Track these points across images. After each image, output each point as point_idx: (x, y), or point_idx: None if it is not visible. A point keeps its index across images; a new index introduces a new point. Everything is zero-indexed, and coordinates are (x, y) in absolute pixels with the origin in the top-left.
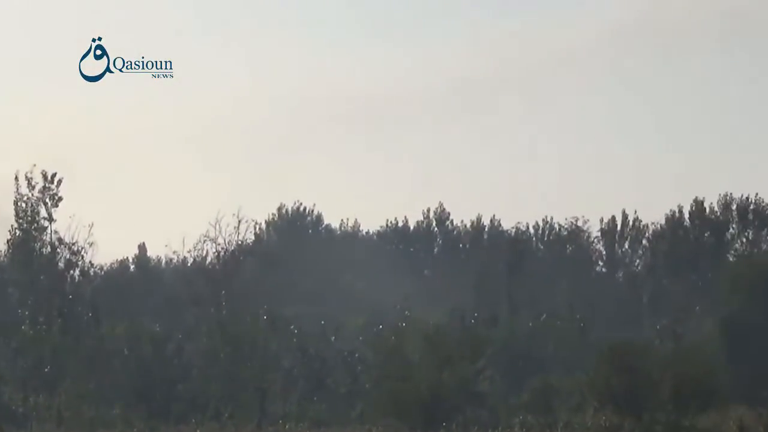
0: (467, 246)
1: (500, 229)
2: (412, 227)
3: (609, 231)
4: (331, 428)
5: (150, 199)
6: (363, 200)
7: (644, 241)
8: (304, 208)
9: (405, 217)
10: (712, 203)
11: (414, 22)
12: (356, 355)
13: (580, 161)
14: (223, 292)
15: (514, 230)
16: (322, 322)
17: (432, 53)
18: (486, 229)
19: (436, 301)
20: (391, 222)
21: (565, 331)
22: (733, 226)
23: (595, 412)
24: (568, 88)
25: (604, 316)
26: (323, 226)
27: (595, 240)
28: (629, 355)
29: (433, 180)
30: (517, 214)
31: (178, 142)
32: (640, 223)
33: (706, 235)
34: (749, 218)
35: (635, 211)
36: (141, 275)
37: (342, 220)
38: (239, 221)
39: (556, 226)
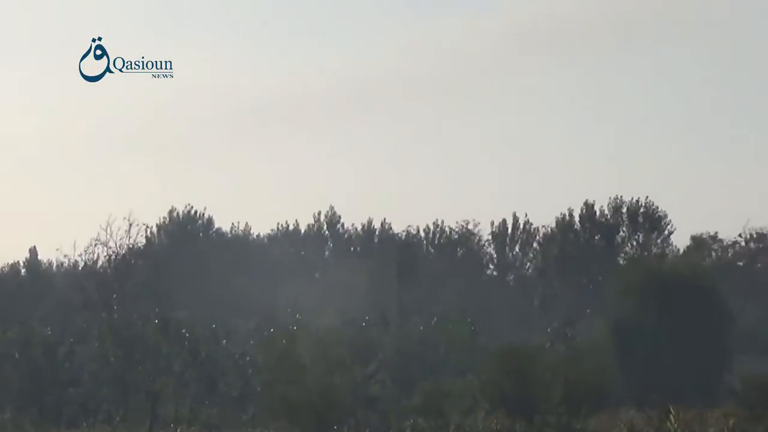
0: (358, 249)
1: (391, 232)
2: (303, 230)
3: (500, 234)
4: None
5: (41, 202)
6: (254, 204)
7: (535, 244)
8: (195, 212)
9: (296, 220)
10: (602, 206)
11: (302, 24)
12: (247, 358)
13: (471, 164)
14: (114, 295)
15: (404, 234)
16: (214, 326)
17: (322, 55)
18: (377, 233)
19: (328, 305)
20: (282, 225)
21: (457, 334)
22: (624, 229)
23: (486, 415)
24: (459, 90)
25: (496, 320)
26: (214, 229)
27: (486, 243)
28: (520, 358)
29: (324, 183)
30: (407, 217)
31: (68, 145)
32: (530, 227)
33: (596, 238)
34: (639, 221)
35: (526, 215)
36: (32, 279)
37: (233, 223)
38: (130, 225)
39: (447, 229)
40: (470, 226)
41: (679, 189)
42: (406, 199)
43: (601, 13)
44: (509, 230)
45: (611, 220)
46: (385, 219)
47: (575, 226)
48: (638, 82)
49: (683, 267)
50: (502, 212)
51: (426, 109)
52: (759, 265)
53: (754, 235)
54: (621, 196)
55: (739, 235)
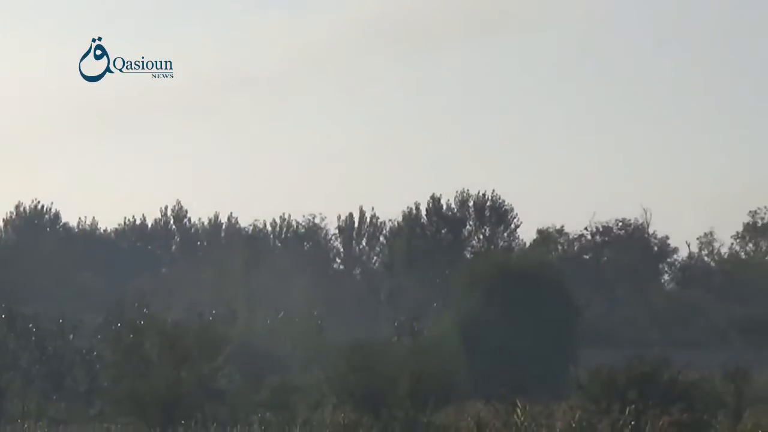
0: (205, 244)
1: (238, 226)
2: (150, 225)
3: (346, 228)
4: (69, 427)
5: None
6: (101, 198)
7: (381, 238)
8: (42, 206)
9: (143, 215)
10: (449, 200)
11: (151, 16)
12: (95, 353)
13: (318, 158)
14: None
15: (251, 228)
16: (61, 321)
17: (170, 48)
18: (224, 227)
19: (175, 299)
20: (129, 220)
21: (304, 328)
22: (470, 222)
23: (333, 410)
24: (305, 85)
25: (343, 314)
26: (61, 224)
27: (333, 237)
28: (366, 352)
29: (171, 177)
30: (254, 211)
31: None
32: (377, 220)
33: (443, 231)
34: (486, 215)
35: (372, 208)
36: None
37: (80, 218)
38: None
39: (294, 223)
40: (317, 220)
41: (525, 182)
42: (254, 193)
43: (443, 11)
44: (356, 224)
45: (458, 214)
46: (231, 213)
47: (422, 220)
48: (487, 75)
49: (529, 260)
50: (348, 206)
51: (273, 103)
52: (605, 258)
53: (600, 229)
54: (467, 190)
55: (585, 229)
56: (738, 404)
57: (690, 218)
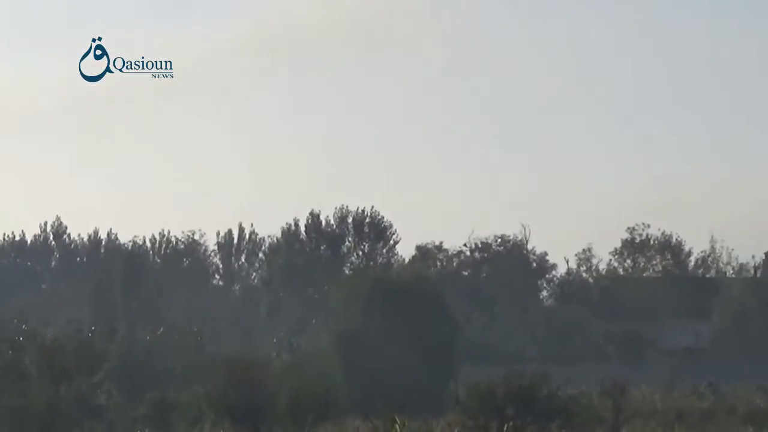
0: (85, 259)
1: (117, 242)
2: (29, 241)
3: (225, 244)
4: None
5: None
6: None
7: (261, 254)
8: None
9: (22, 230)
10: (328, 216)
11: (40, 28)
12: None
13: (197, 174)
14: None
15: (131, 244)
16: None
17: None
18: (103, 243)
19: (54, 315)
20: (7, 236)
21: (183, 344)
22: (349, 239)
23: (212, 426)
24: (185, 100)
25: (222, 329)
26: None
27: (212, 253)
28: (245, 368)
29: (50, 193)
30: (134, 227)
31: None
32: (256, 237)
33: (322, 248)
34: (365, 231)
35: (252, 224)
36: None
37: None
38: None
39: (173, 239)
40: (196, 236)
41: (405, 199)
42: (133, 210)
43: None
44: (235, 240)
45: (337, 230)
46: (111, 229)
47: (301, 236)
48: (363, 92)
49: (408, 276)
50: (228, 222)
51: (152, 118)
52: (484, 274)
53: (479, 245)
54: (347, 206)
55: (464, 245)
56: (616, 419)
57: (568, 235)
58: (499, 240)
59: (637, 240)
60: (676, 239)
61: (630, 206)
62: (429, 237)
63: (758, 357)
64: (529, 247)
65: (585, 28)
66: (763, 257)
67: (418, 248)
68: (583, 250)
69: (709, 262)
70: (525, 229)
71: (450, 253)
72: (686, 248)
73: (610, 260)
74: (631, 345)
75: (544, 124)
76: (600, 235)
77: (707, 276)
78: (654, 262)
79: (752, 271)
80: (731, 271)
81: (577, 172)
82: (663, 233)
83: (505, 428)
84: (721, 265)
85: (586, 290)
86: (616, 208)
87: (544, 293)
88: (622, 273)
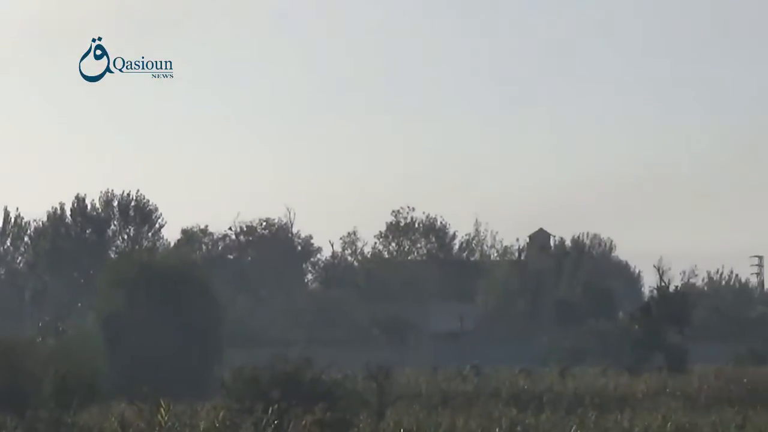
0: None
1: None
2: None
3: None
4: None
5: None
6: None
7: (26, 238)
8: None
9: None
10: (93, 200)
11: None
12: None
13: None
14: None
15: None
16: None
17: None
18: None
19: None
20: None
21: None
22: (115, 222)
23: None
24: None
25: None
26: None
27: None
28: (9, 352)
29: None
30: None
31: None
32: (22, 220)
33: (87, 231)
34: (131, 215)
35: (17, 208)
36: None
37: None
38: None
39: None
40: None
41: (170, 182)
42: None
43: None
44: (0, 224)
45: (102, 214)
46: None
47: (66, 220)
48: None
49: (173, 260)
50: None
51: None
52: (249, 258)
53: (245, 229)
54: (112, 190)
55: (230, 229)
56: (380, 403)
57: (333, 218)
58: (264, 223)
59: (402, 223)
60: (441, 222)
61: (395, 189)
62: (195, 220)
63: (521, 340)
64: (294, 230)
65: None
66: (527, 240)
67: (184, 232)
68: (348, 233)
69: (473, 245)
70: (290, 212)
71: (215, 236)
72: (451, 231)
73: (375, 243)
74: (397, 328)
75: (311, 108)
76: (365, 218)
77: (471, 259)
78: (419, 245)
79: (516, 254)
80: (495, 254)
81: (343, 156)
82: (428, 216)
83: (269, 412)
84: (485, 248)
85: (352, 274)
86: (381, 191)
87: (309, 276)
88: (387, 256)
